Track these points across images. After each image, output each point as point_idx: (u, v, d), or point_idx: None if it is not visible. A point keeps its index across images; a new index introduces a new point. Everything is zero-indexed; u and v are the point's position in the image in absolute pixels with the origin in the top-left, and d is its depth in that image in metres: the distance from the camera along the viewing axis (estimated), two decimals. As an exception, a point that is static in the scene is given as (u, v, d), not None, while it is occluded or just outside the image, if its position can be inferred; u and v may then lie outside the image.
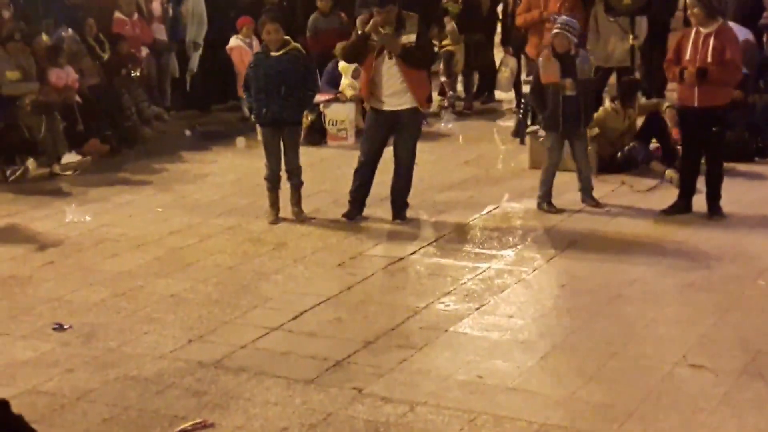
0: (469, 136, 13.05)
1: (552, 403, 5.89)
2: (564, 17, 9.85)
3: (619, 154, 10.91)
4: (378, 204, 9.68)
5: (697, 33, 9.01)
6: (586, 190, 9.81)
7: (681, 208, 9.37)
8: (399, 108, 9.16)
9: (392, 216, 9.47)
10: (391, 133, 9.35)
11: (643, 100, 12.54)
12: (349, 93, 12.96)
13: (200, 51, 14.98)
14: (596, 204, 9.72)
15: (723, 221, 9.17)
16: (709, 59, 8.89)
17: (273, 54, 9.33)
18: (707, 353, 6.49)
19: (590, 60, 9.70)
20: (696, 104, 9.04)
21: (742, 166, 10.76)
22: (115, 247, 8.98)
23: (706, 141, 9.19)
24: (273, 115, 9.35)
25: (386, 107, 9.21)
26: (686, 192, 9.39)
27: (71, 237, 9.30)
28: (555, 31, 9.60)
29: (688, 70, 8.95)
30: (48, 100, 11.94)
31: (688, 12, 9.27)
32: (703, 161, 9.37)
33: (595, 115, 10.52)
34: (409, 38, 9.06)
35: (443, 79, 14.62)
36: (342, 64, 13.05)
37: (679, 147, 10.10)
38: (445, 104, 14.49)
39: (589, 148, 10.12)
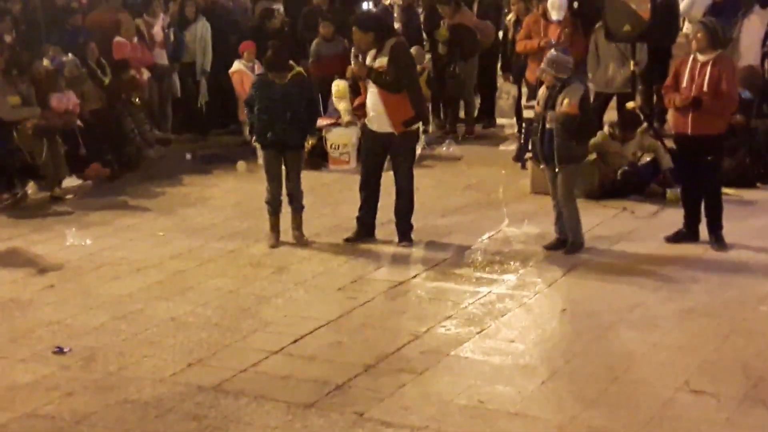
0: (471, 160, 13.06)
1: (553, 427, 5.87)
2: (552, 53, 9.20)
3: (619, 175, 10.88)
4: (378, 228, 9.68)
5: (695, 60, 8.93)
6: (570, 243, 9.11)
7: (688, 236, 9.29)
8: (382, 131, 9.31)
9: (398, 238, 9.49)
10: (385, 152, 9.48)
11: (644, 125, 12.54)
12: (346, 118, 12.99)
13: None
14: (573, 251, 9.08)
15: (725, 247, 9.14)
16: (705, 88, 8.80)
17: (278, 80, 9.36)
18: (709, 379, 6.46)
19: (580, 91, 9.16)
20: (689, 132, 8.95)
21: (743, 192, 10.74)
22: (115, 271, 8.97)
23: (702, 170, 9.11)
24: (276, 138, 9.39)
25: (374, 128, 9.39)
26: (691, 221, 9.30)
27: (71, 260, 9.29)
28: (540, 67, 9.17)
29: (684, 95, 8.88)
30: (49, 124, 11.94)
31: (691, 36, 9.20)
32: None
33: (593, 140, 10.39)
34: (381, 62, 9.14)
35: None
36: (336, 90, 13.15)
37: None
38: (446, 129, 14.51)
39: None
